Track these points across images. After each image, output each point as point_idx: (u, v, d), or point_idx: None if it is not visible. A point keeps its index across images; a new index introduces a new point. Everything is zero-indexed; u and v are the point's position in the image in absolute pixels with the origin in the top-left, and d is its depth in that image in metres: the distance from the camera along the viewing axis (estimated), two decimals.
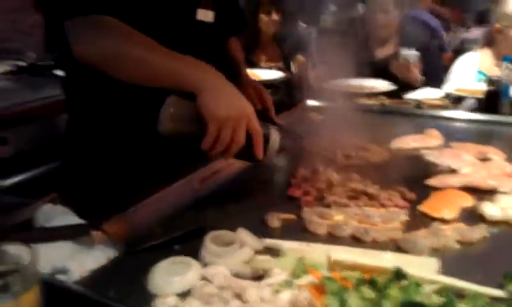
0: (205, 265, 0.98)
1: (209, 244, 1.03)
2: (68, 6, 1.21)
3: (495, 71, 2.71)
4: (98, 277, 0.95)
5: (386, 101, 2.48)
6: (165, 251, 1.02)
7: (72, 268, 0.93)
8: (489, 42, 3.01)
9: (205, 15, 1.45)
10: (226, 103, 1.16)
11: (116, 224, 1.10)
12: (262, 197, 1.36)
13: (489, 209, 1.19)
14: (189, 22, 1.42)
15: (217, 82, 1.19)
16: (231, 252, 1.01)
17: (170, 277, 0.92)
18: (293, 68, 3.23)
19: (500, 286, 0.89)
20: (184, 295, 0.89)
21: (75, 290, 0.89)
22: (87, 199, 1.33)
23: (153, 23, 1.27)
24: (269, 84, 3.05)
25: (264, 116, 1.55)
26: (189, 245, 1.05)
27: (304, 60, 3.20)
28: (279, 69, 3.41)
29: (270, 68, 3.46)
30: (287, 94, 2.94)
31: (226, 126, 1.14)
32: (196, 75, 1.17)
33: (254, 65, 3.51)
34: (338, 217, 1.19)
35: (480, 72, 2.93)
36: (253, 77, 3.15)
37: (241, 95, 1.21)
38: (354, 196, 1.31)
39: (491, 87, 2.19)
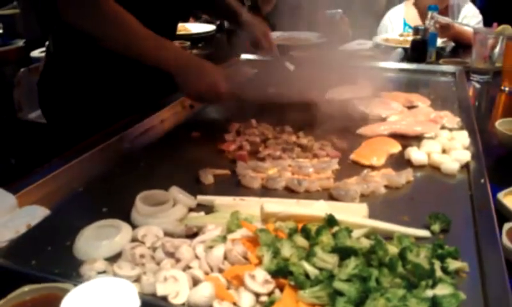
0: (136, 226, 0.94)
1: (140, 205, 0.99)
2: None
3: (419, 22, 2.80)
4: (17, 247, 0.88)
5: (319, 53, 2.49)
6: (92, 214, 0.97)
7: None
8: None
9: None
10: (194, 81, 1.39)
11: (37, 188, 1.04)
12: (194, 154, 1.32)
13: (415, 154, 1.23)
14: None
15: (184, 62, 1.41)
16: (163, 212, 0.98)
17: (98, 241, 0.87)
18: (225, 22, 3.14)
19: (426, 227, 0.94)
20: (114, 259, 0.85)
21: None
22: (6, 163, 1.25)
23: None
24: (199, 38, 2.97)
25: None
26: (118, 207, 1.01)
27: None
28: (207, 22, 3.30)
29: (206, 21, 3.35)
30: (220, 48, 2.87)
31: (200, 98, 1.49)
32: (168, 61, 1.38)
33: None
34: (272, 170, 1.18)
35: (406, 24, 3.01)
36: (183, 31, 3.05)
37: (204, 65, 1.43)
38: (288, 148, 1.31)
39: (417, 37, 2.25)
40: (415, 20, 2.97)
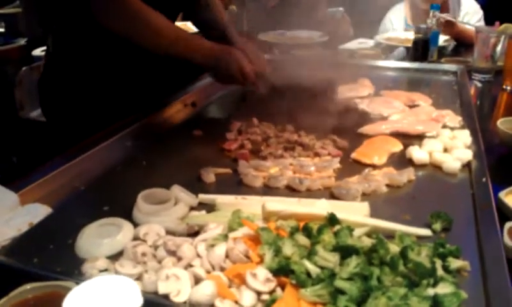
0: (137, 224, 0.94)
1: (141, 203, 0.99)
2: None
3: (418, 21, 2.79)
4: (19, 245, 0.88)
5: (320, 51, 2.48)
6: (94, 212, 0.97)
7: None
8: None
9: None
10: (224, 70, 1.43)
11: (39, 187, 1.04)
12: (196, 153, 1.33)
13: (417, 153, 1.23)
14: None
15: (212, 56, 1.42)
16: (165, 210, 0.98)
17: (99, 239, 0.87)
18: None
19: (427, 226, 0.94)
20: (116, 257, 0.85)
21: None
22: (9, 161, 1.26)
23: None
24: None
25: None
26: (120, 205, 1.01)
27: (238, 11, 3.12)
28: None
29: None
30: None
31: (232, 82, 1.49)
32: (198, 59, 1.41)
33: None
34: (273, 168, 1.18)
35: (407, 24, 3.00)
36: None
37: (230, 52, 1.44)
38: (289, 146, 1.31)
39: (419, 36, 2.25)
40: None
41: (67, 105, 1.56)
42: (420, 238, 0.90)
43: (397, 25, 3.04)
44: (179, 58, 1.43)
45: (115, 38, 1.36)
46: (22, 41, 3.21)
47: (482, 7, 2.97)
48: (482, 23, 2.85)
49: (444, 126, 1.43)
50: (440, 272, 0.77)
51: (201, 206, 1.03)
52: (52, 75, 1.59)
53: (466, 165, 1.19)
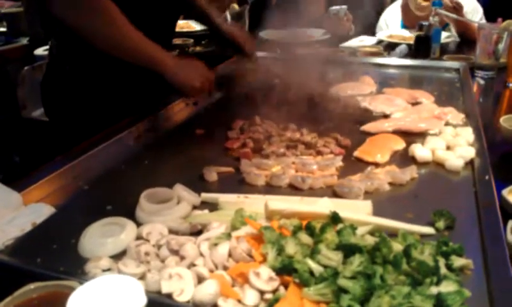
0: (140, 224, 0.95)
1: (144, 202, 0.99)
2: None
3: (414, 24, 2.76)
4: (23, 245, 0.89)
5: (322, 49, 2.48)
6: (97, 212, 0.97)
7: None
8: None
9: None
10: (191, 76, 1.46)
11: (42, 186, 1.04)
12: (198, 152, 1.33)
13: (419, 151, 1.23)
14: None
15: (172, 62, 1.43)
16: (167, 209, 0.98)
17: (103, 239, 0.87)
18: (228, 17, 3.14)
19: (430, 224, 0.93)
20: (119, 256, 0.85)
21: None
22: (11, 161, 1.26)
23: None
24: (202, 35, 2.96)
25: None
26: (122, 205, 1.01)
27: (240, 10, 3.12)
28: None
29: None
30: (222, 45, 2.87)
31: (195, 90, 1.48)
32: (164, 60, 1.41)
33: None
34: (276, 167, 1.18)
35: (404, 26, 2.98)
36: (187, 29, 3.05)
37: (194, 61, 1.50)
38: (292, 145, 1.31)
39: (421, 33, 2.24)
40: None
41: (70, 104, 1.57)
42: (423, 236, 0.90)
43: (393, 27, 3.02)
44: (142, 63, 1.40)
45: None
46: (24, 41, 3.21)
47: (484, 3, 2.95)
48: (483, 21, 2.83)
49: (447, 124, 1.43)
50: (443, 270, 0.76)
51: (204, 205, 1.03)
52: (55, 75, 1.59)
53: (469, 163, 1.19)
